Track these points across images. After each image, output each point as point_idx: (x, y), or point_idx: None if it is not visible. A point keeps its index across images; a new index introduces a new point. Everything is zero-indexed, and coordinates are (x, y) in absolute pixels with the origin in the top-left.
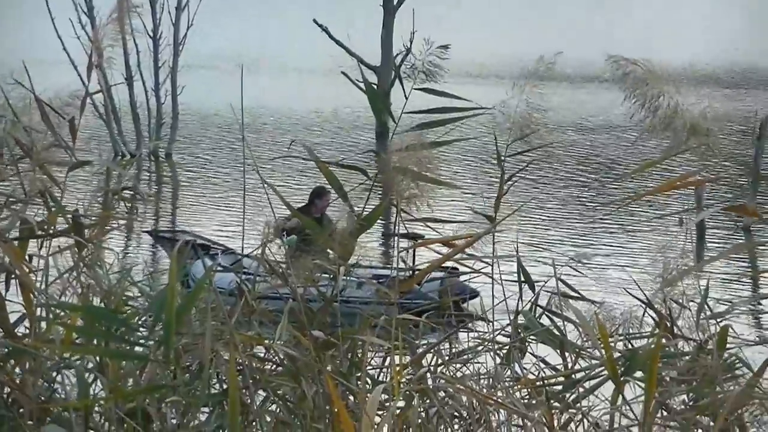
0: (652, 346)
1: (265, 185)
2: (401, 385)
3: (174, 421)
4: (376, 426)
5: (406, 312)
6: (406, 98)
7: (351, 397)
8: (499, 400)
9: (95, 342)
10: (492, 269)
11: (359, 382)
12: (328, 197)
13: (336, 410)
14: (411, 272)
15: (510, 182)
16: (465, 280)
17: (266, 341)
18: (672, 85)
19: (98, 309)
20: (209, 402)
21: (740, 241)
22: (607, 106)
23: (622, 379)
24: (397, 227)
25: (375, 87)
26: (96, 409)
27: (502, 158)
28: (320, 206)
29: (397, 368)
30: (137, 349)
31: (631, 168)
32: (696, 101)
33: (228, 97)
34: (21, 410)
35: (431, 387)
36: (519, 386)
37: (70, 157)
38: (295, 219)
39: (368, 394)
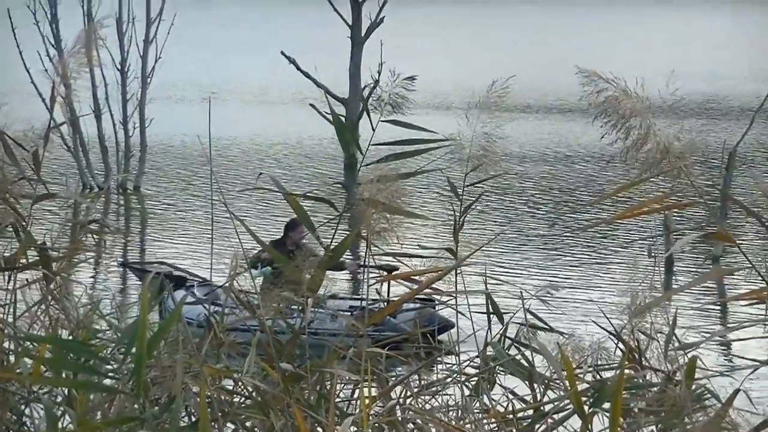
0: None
1: (233, 218)
2: (370, 418)
3: None
4: None
5: (377, 344)
6: (374, 130)
7: (320, 430)
8: None
9: (64, 375)
10: (456, 302)
11: (327, 415)
12: (302, 229)
13: None
14: (383, 303)
15: (465, 214)
16: (439, 311)
17: (235, 374)
18: (645, 106)
19: (67, 341)
20: None
21: (708, 269)
22: (568, 135)
23: (591, 410)
24: (366, 260)
25: (343, 119)
26: None
27: (460, 190)
28: (295, 238)
29: (366, 400)
30: (106, 381)
31: (595, 197)
32: (668, 125)
33: (196, 128)
34: None
35: (400, 419)
36: (488, 418)
37: (34, 189)
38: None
39: (337, 427)
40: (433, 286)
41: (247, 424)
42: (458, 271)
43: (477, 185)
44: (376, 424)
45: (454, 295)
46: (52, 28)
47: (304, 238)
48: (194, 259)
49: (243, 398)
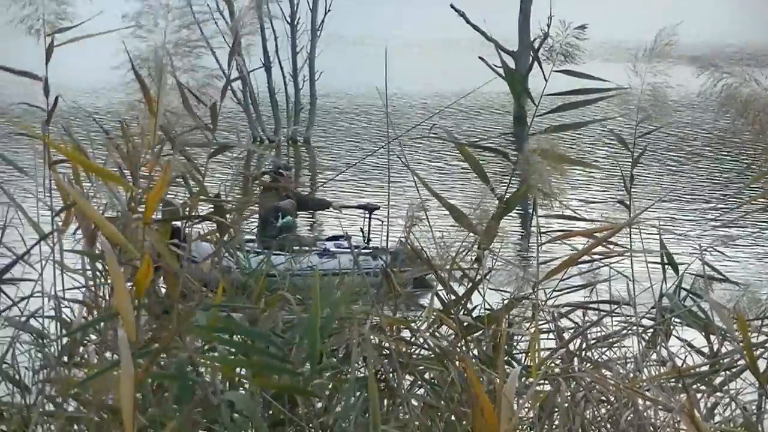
0: None
1: (409, 169)
2: (547, 369)
3: (320, 405)
4: (515, 408)
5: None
6: (546, 80)
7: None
8: (642, 389)
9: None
10: (632, 255)
11: (497, 367)
12: (286, 176)
13: (475, 392)
14: None
15: (635, 166)
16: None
17: (412, 324)
18: None
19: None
20: (355, 386)
21: None
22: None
23: None
24: (536, 220)
25: (513, 71)
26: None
27: (630, 142)
28: (286, 185)
29: (539, 352)
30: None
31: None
32: None
33: (365, 80)
34: None
35: (578, 371)
36: (665, 374)
37: (212, 141)
38: (289, 200)
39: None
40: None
41: (426, 375)
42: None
43: (647, 136)
44: (552, 377)
45: (628, 250)
46: None
47: (291, 182)
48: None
49: (420, 349)
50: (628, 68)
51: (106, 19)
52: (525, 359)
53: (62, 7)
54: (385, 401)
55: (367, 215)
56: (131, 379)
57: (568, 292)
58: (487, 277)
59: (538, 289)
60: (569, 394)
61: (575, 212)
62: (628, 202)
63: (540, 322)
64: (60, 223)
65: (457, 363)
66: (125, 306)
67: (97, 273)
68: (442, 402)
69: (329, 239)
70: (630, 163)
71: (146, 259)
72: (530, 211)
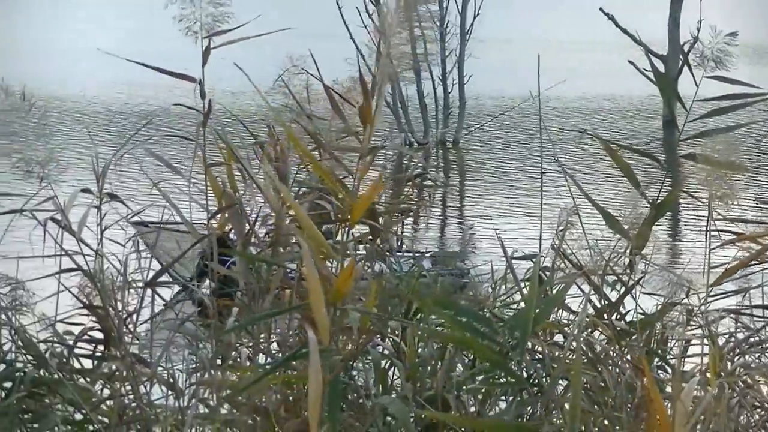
0: None
1: (563, 171)
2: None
3: (473, 409)
4: (690, 414)
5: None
6: (697, 86)
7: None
8: None
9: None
10: None
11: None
12: None
13: (649, 397)
14: None
15: None
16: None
17: (566, 329)
18: None
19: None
20: (509, 390)
21: None
22: None
23: None
24: (708, 226)
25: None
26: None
27: None
28: None
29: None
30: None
31: None
32: None
33: (514, 82)
34: None
35: (740, 376)
36: None
37: (360, 143)
38: None
39: (684, 384)
40: None
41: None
42: None
43: None
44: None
45: None
46: None
47: None
48: (515, 212)
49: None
50: None
51: (259, 22)
52: (680, 364)
53: (219, 10)
54: (538, 405)
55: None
56: (320, 383)
57: (721, 298)
58: (640, 281)
59: (690, 294)
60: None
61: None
62: None
63: (693, 328)
64: (215, 225)
65: (610, 368)
66: (320, 309)
67: (251, 274)
68: (595, 407)
69: None
70: None
71: (352, 264)
72: (678, 214)
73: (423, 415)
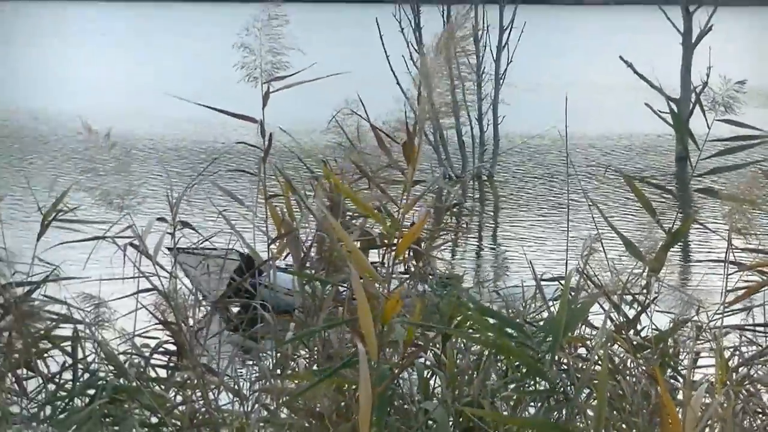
0: None
1: (589, 202)
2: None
3: (505, 413)
4: (699, 419)
5: None
6: (709, 128)
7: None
8: None
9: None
10: None
11: (680, 381)
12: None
13: (663, 403)
14: None
15: None
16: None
17: (588, 342)
18: None
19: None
20: (537, 397)
21: None
22: None
23: None
24: (726, 255)
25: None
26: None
27: None
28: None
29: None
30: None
31: None
32: None
33: (541, 121)
34: None
35: (744, 385)
36: None
37: (405, 177)
38: None
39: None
40: None
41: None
42: None
43: None
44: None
45: None
46: (415, 34)
47: None
48: (543, 238)
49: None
50: None
51: (316, 68)
52: (690, 374)
53: (278, 58)
54: (563, 411)
55: None
56: (369, 393)
57: (727, 315)
58: (655, 301)
59: (700, 312)
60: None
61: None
62: None
63: (702, 343)
64: (275, 250)
65: (627, 378)
66: (368, 326)
67: (306, 294)
68: (614, 412)
69: None
70: None
71: (399, 291)
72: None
73: (461, 419)
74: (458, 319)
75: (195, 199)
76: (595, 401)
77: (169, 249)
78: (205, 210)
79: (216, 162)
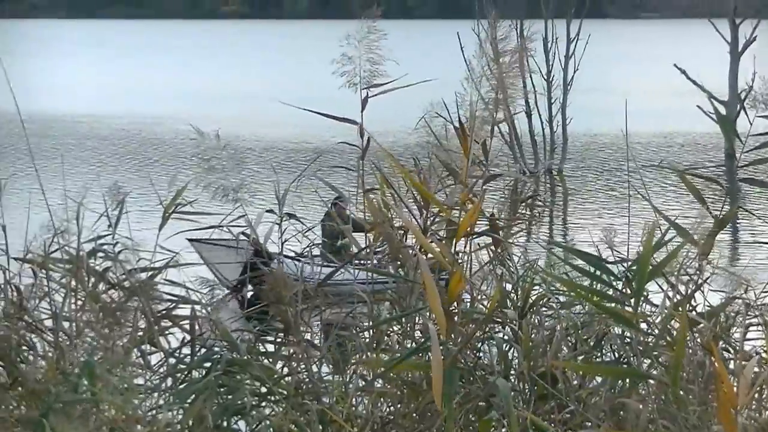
0: None
1: (645, 196)
2: None
3: (575, 383)
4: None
5: None
6: (751, 123)
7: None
8: None
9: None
10: None
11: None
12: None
13: (717, 372)
14: None
15: None
16: None
17: (649, 318)
18: None
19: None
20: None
21: None
22: None
23: None
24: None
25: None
26: (512, 372)
27: None
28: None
29: None
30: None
31: None
32: None
33: (605, 122)
34: None
35: None
36: None
37: (485, 172)
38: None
39: (744, 362)
40: None
41: (660, 359)
42: None
43: None
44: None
45: None
46: (492, 46)
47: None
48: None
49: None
50: None
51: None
52: (741, 346)
53: (375, 67)
54: (627, 380)
55: None
56: (440, 368)
57: None
58: (707, 280)
59: (748, 290)
60: None
61: None
62: None
63: (751, 318)
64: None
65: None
66: (437, 307)
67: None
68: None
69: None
70: None
71: (459, 272)
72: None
73: (536, 387)
74: (533, 297)
75: (302, 192)
76: (655, 371)
77: (190, 240)
78: (308, 203)
79: (317, 160)
